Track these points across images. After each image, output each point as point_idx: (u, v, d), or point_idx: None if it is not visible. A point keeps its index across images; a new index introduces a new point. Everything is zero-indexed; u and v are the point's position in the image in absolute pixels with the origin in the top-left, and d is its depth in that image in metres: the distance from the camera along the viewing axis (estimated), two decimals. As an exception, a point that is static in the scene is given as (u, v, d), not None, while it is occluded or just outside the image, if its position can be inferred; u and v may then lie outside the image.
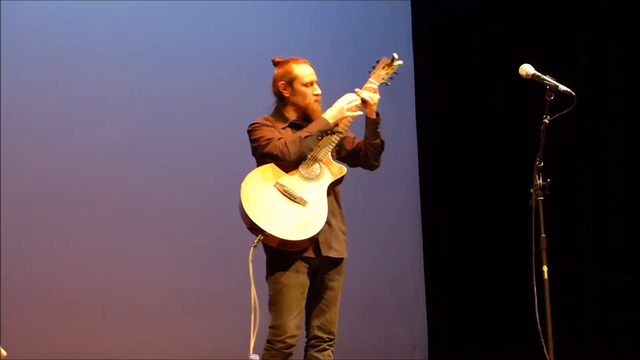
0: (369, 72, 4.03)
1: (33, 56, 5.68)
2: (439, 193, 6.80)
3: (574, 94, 3.93)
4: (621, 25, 6.28)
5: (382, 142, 4.04)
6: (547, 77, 3.97)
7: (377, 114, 3.99)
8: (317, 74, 4.06)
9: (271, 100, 4.10)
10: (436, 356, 6.65)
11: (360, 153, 4.06)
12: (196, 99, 6.07)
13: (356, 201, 6.51)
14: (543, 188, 3.89)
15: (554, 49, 6.43)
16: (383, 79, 4.03)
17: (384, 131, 4.05)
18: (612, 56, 6.30)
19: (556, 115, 3.92)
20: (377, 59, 4.04)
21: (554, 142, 5.60)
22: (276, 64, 4.08)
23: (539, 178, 3.90)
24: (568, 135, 6.25)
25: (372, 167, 4.10)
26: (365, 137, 4.03)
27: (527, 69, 4.01)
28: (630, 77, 6.22)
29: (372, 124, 3.99)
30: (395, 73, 4.05)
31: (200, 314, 5.91)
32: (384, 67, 4.02)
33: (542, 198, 3.89)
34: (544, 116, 3.90)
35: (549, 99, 3.91)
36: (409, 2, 6.85)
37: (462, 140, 6.78)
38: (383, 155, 4.08)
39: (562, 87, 3.95)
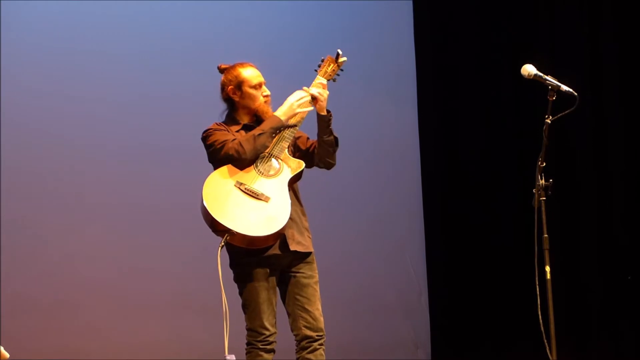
0: (315, 70, 4.04)
1: (33, 56, 5.68)
2: (442, 194, 6.78)
3: (576, 94, 3.90)
4: (625, 23, 6.25)
5: (336, 139, 4.01)
6: (549, 77, 3.95)
7: (328, 111, 3.98)
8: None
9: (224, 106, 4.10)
10: (439, 355, 6.64)
11: (315, 152, 4.03)
12: (196, 99, 6.04)
13: (360, 202, 6.53)
14: (545, 188, 3.88)
15: (556, 49, 6.42)
16: (330, 75, 4.04)
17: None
18: (616, 55, 6.28)
19: (558, 115, 3.90)
20: (322, 57, 4.05)
21: (557, 142, 5.58)
22: (222, 70, 4.09)
23: (542, 178, 3.89)
24: (571, 135, 6.23)
25: (328, 165, 4.06)
26: (318, 135, 4.02)
27: (529, 69, 3.99)
28: (633, 77, 6.20)
29: (323, 121, 3.97)
30: (341, 70, 4.06)
31: (200, 313, 5.89)
32: (329, 65, 4.05)
33: (544, 198, 3.88)
34: (546, 116, 3.89)
35: (551, 99, 3.89)
36: (411, 2, 6.82)
37: (465, 141, 6.76)
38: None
39: (564, 88, 3.92)
